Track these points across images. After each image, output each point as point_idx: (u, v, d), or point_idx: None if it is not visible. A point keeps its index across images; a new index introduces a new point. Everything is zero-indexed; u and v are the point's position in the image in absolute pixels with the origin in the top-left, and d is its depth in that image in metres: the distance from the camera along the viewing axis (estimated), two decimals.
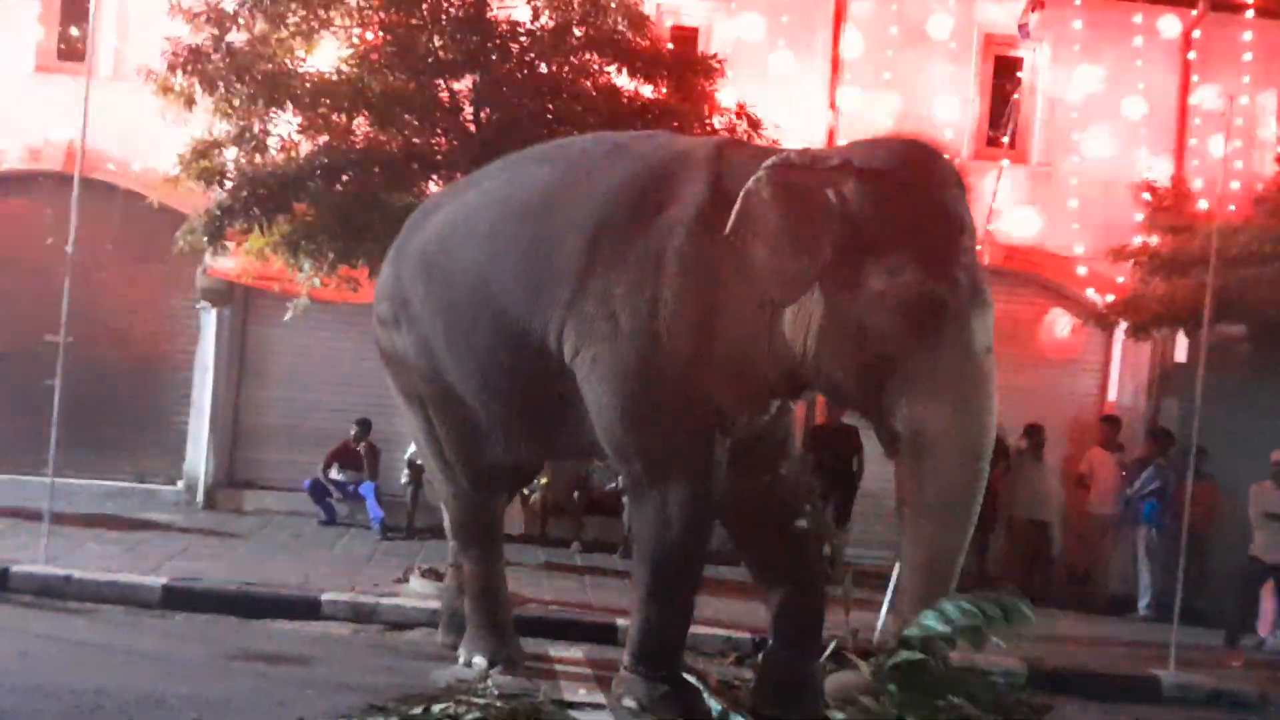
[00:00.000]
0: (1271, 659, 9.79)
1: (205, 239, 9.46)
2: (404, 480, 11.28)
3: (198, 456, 11.88)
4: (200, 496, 11.72)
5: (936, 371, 5.33)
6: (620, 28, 9.47)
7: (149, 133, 9.67)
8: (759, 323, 5.69)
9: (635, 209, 5.95)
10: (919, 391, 5.34)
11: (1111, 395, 12.79)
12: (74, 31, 11.94)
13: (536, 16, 9.48)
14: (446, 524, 7.34)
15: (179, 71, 8.92)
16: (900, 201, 5.39)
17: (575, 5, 9.38)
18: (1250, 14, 12.57)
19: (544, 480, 10.92)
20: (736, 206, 5.46)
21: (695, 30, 12.17)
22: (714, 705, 5.76)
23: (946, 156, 5.82)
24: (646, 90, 9.60)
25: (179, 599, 7.78)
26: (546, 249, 6.12)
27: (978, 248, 6.05)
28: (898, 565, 8.70)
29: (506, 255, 6.27)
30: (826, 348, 5.51)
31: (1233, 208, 10.96)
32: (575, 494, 11.45)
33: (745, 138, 9.15)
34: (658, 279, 5.80)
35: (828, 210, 5.39)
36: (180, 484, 11.97)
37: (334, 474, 11.42)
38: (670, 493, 5.90)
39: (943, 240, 5.40)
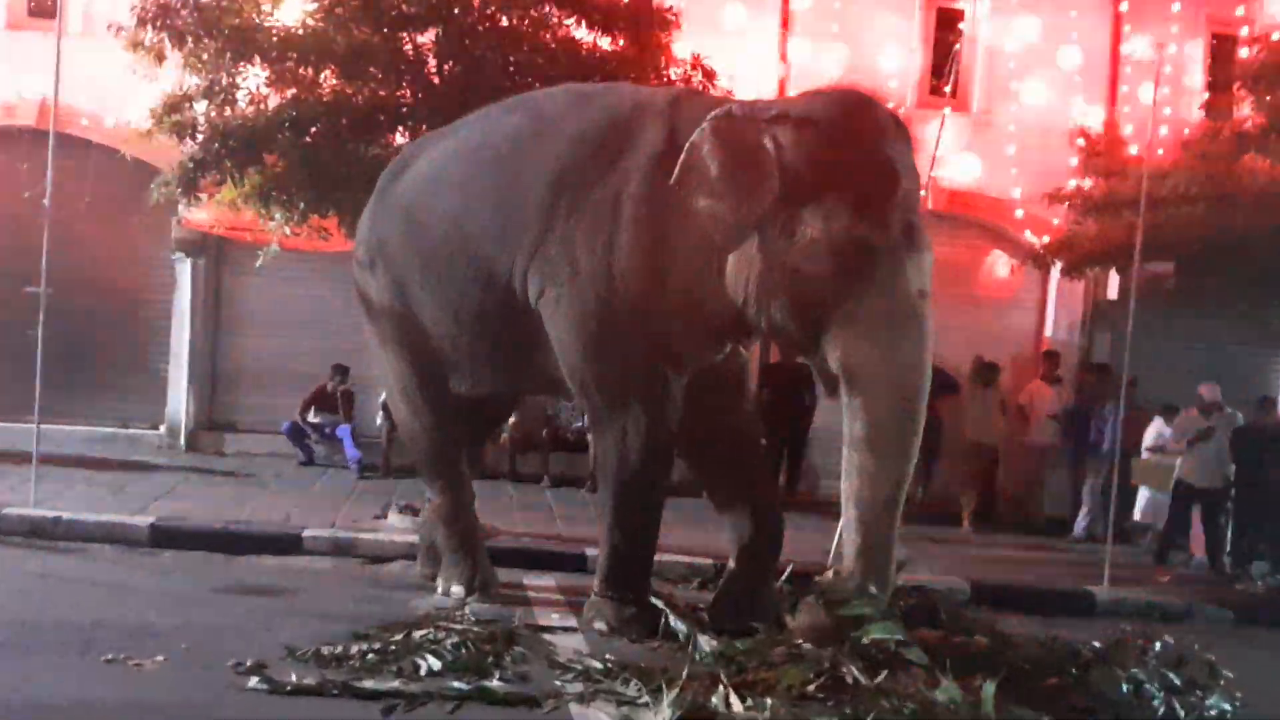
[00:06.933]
0: (1199, 575, 9.96)
1: (179, 191, 9.31)
2: (379, 422, 11.22)
3: (178, 401, 11.78)
4: (182, 440, 11.64)
5: (868, 314, 5.30)
6: None
7: (120, 88, 9.48)
8: (705, 266, 5.71)
9: (594, 157, 5.98)
10: (851, 333, 5.33)
11: (1048, 331, 12.89)
12: None
13: None
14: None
15: (148, 27, 8.74)
16: (834, 149, 5.33)
17: None
18: None
19: (512, 420, 10.90)
20: (681, 158, 5.47)
21: None
22: (680, 626, 5.85)
23: (884, 105, 5.73)
24: (604, 42, 9.47)
25: (166, 538, 7.74)
26: (514, 196, 6.16)
27: (921, 193, 6.05)
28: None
29: (478, 202, 6.32)
30: (766, 292, 5.52)
31: (1161, 152, 11.02)
32: (544, 431, 11.46)
33: (701, 89, 9.09)
34: (614, 222, 5.84)
35: (765, 160, 5.36)
36: (163, 428, 11.88)
37: (311, 417, 11.36)
38: (629, 423, 5.97)
39: (875, 186, 5.32)
